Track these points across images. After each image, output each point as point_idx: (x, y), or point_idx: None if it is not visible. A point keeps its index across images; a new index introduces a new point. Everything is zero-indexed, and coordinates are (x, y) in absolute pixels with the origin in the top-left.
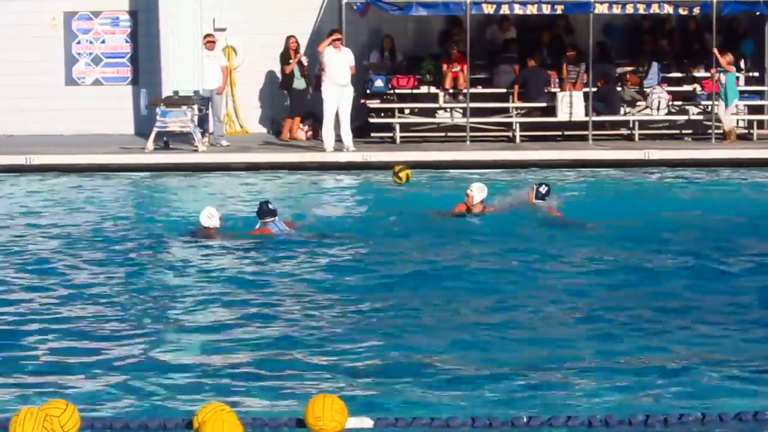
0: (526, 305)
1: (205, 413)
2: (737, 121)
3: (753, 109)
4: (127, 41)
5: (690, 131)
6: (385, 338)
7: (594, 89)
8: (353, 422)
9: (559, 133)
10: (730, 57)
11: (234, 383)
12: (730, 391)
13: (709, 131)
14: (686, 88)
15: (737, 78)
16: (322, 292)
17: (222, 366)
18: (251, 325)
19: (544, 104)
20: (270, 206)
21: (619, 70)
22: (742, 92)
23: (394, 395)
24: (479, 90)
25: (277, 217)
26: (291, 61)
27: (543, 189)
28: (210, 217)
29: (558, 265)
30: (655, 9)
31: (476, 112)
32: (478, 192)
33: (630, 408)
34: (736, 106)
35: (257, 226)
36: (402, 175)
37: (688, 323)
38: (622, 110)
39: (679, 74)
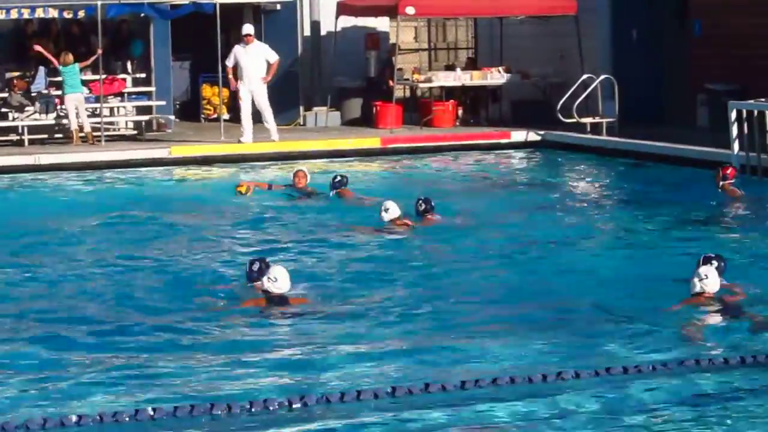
0: None
1: None
2: (126, 122)
3: (141, 110)
4: None
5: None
6: None
7: None
8: None
9: None
10: (70, 56)
11: None
12: None
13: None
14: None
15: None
16: None
17: None
18: None
19: None
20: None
21: (7, 75)
22: (129, 94)
23: None
24: None
25: None
26: None
27: None
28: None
29: None
30: (39, 13)
31: None
32: None
33: None
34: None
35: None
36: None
37: None
38: (10, 116)
39: None
